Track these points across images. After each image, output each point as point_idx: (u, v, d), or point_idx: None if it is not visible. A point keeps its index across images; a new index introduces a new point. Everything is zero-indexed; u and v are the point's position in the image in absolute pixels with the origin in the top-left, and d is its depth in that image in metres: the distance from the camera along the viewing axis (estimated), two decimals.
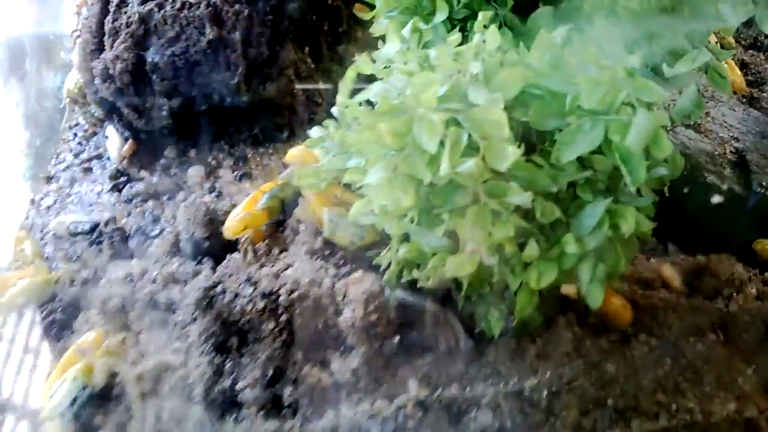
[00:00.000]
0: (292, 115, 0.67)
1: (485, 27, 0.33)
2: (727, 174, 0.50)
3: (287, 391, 0.31)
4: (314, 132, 0.37)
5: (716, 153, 0.51)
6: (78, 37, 0.75)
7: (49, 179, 0.64)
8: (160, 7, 0.59)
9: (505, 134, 0.26)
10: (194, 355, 0.33)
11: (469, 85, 0.28)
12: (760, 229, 0.49)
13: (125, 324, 0.36)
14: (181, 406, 0.32)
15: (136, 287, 0.39)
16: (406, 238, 0.32)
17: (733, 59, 0.68)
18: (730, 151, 0.52)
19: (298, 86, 0.67)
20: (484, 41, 0.31)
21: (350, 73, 0.34)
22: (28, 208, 0.61)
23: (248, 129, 0.66)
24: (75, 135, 0.71)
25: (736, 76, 0.67)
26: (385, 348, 0.32)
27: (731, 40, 0.69)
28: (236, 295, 0.34)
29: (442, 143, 0.26)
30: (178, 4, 0.59)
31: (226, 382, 0.32)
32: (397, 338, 0.32)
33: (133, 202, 0.59)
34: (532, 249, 0.27)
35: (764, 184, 0.50)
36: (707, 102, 0.55)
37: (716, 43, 0.65)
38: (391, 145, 0.27)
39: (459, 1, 0.38)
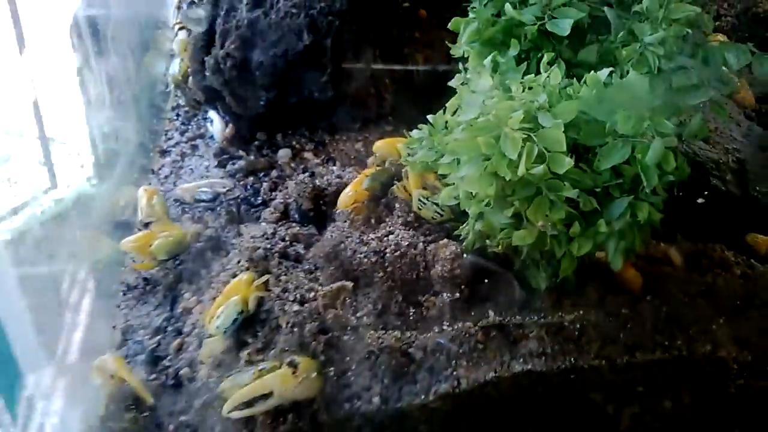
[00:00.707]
0: (364, 109, 0.80)
1: (549, 64, 0.46)
2: (729, 179, 0.62)
3: (392, 319, 0.45)
4: (414, 133, 0.50)
5: (720, 161, 0.63)
6: (180, 28, 0.89)
7: (163, 153, 0.78)
8: (266, 14, 0.72)
9: (563, 148, 0.39)
10: (327, 290, 0.46)
11: (538, 112, 0.41)
12: (753, 225, 0.62)
13: (267, 269, 0.50)
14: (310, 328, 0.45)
15: (272, 242, 0.52)
16: (481, 216, 0.45)
17: (746, 78, 0.80)
18: (732, 160, 0.64)
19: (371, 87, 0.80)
20: (548, 77, 0.43)
21: (453, 101, 0.47)
22: (150, 176, 0.75)
23: (327, 119, 0.79)
24: (178, 115, 0.85)
25: (746, 93, 0.79)
26: (463, 293, 0.45)
27: None
28: (354, 251, 0.48)
29: (519, 153, 0.39)
30: (282, 13, 0.71)
31: (348, 313, 0.45)
32: (471, 288, 0.46)
33: (236, 176, 0.73)
34: (576, 228, 0.40)
35: (758, 189, 0.62)
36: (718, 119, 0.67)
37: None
38: (484, 151, 0.40)
39: (526, 37, 0.51)
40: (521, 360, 0.42)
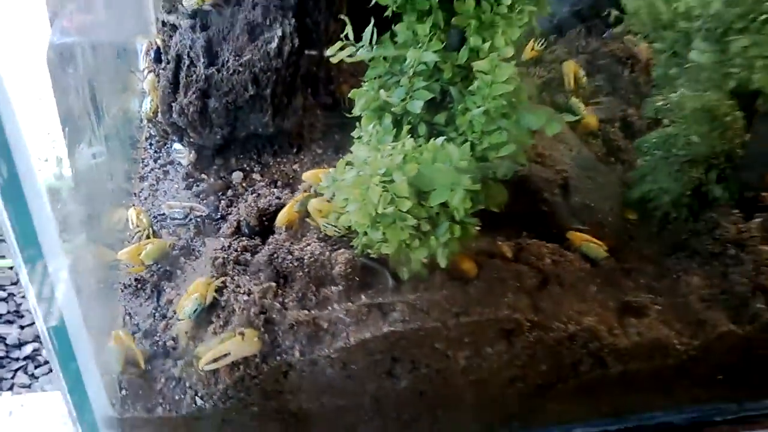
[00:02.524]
0: (299, 138, 1.05)
1: (410, 130, 0.72)
2: (556, 192, 0.89)
3: (307, 303, 0.71)
4: (324, 179, 0.75)
5: (550, 179, 0.90)
6: (151, 72, 1.12)
7: (141, 179, 1.02)
8: (219, 71, 0.96)
9: (405, 194, 0.65)
10: (263, 287, 0.72)
11: (394, 170, 0.67)
12: (572, 226, 0.88)
13: (225, 272, 0.75)
14: (253, 311, 0.71)
15: (228, 252, 0.78)
16: (365, 234, 0.71)
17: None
18: (561, 178, 0.90)
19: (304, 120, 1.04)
20: (403, 144, 0.69)
21: (341, 162, 0.72)
22: (133, 198, 0.99)
23: (270, 146, 1.04)
24: (151, 144, 1.09)
25: (591, 119, 1.05)
26: (354, 284, 0.71)
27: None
28: (283, 259, 0.74)
29: (379, 198, 0.65)
30: (231, 70, 0.95)
31: (278, 300, 0.71)
32: (359, 280, 0.72)
33: (200, 196, 0.97)
34: (416, 243, 0.67)
35: (576, 200, 0.89)
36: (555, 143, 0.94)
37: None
38: (360, 197, 0.66)
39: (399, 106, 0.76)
40: (390, 325, 0.69)
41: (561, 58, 1.08)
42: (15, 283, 2.92)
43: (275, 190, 0.92)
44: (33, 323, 2.70)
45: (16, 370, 2.61)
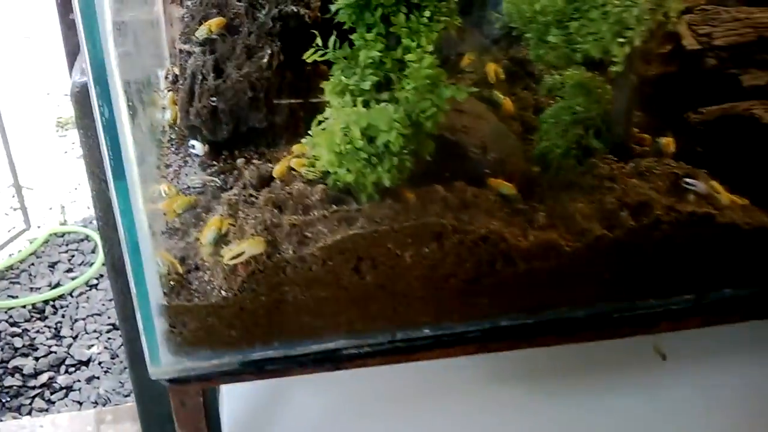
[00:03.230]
0: (286, 131, 1.38)
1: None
2: (478, 153, 1.22)
3: (294, 219, 1.03)
4: (305, 141, 1.08)
5: (475, 144, 1.23)
6: (170, 91, 1.46)
7: (167, 166, 1.34)
8: (225, 81, 1.30)
9: (359, 137, 0.98)
10: (266, 209, 1.04)
11: (351, 123, 1.00)
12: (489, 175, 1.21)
13: (237, 210, 1.07)
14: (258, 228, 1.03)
15: (237, 196, 1.10)
16: (335, 173, 1.03)
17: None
18: (481, 144, 1.23)
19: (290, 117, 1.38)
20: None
21: (315, 122, 1.05)
22: (163, 179, 1.31)
23: (265, 138, 1.37)
24: (172, 144, 1.41)
25: (508, 104, 1.39)
26: (329, 207, 1.03)
27: None
28: (278, 195, 1.06)
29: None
30: (234, 80, 1.29)
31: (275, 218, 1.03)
32: (332, 203, 1.04)
33: (213, 176, 1.30)
34: (367, 171, 0.99)
35: (493, 157, 1.22)
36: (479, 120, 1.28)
37: None
38: (328, 142, 0.98)
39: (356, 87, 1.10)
40: (354, 230, 1.00)
41: (485, 62, 1.44)
42: (28, 320, 3.26)
43: (270, 165, 1.25)
44: (47, 354, 3.01)
45: (34, 397, 2.93)
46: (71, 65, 1.73)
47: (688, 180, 1.11)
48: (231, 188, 1.20)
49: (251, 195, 1.11)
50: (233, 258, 0.98)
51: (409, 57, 1.06)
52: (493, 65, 1.41)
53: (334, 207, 1.03)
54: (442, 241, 1.04)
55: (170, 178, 1.31)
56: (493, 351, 1.20)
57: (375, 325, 1.09)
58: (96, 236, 3.28)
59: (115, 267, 1.83)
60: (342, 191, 1.05)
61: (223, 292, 1.00)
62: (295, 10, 1.30)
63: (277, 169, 1.13)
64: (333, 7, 1.09)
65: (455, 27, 1.12)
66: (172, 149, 1.39)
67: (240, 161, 1.32)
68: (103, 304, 3.05)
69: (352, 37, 1.10)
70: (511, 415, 1.39)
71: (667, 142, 1.26)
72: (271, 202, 1.06)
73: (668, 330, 1.27)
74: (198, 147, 1.34)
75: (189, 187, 1.24)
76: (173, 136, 1.42)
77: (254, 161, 1.32)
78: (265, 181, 1.16)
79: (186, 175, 1.31)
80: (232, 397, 1.28)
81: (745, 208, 1.16)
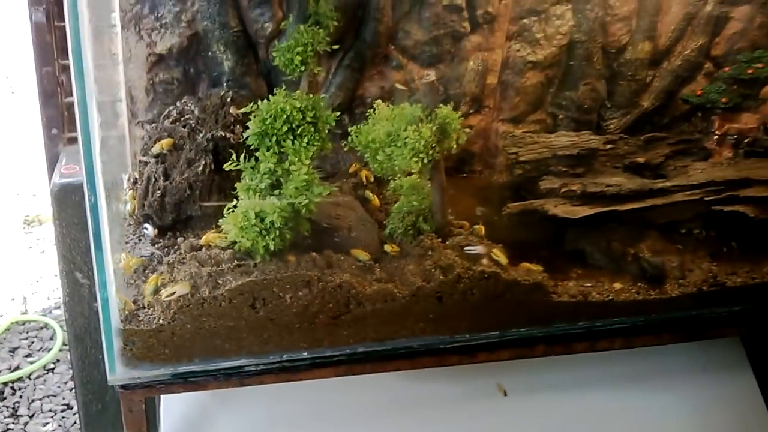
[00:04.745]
0: (213, 217, 1.95)
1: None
2: (344, 233, 1.79)
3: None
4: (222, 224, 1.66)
5: (343, 226, 1.80)
6: (131, 190, 2.03)
7: (127, 242, 1.88)
8: (171, 183, 1.87)
9: (253, 216, 1.55)
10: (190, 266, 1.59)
11: (249, 207, 1.58)
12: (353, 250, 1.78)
13: (173, 269, 1.62)
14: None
15: (175, 261, 1.65)
16: (239, 242, 1.60)
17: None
18: (348, 226, 1.81)
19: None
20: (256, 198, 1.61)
21: (227, 211, 1.64)
22: (122, 252, 1.84)
23: (200, 223, 1.93)
24: (130, 225, 1.96)
25: (375, 201, 1.99)
26: (233, 263, 1.59)
27: None
28: (198, 258, 1.62)
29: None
30: (176, 182, 1.86)
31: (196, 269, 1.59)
32: (236, 261, 1.60)
33: (159, 249, 1.84)
34: (259, 240, 1.55)
35: (354, 235, 1.79)
36: (349, 210, 1.87)
37: None
38: (234, 222, 1.56)
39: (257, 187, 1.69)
40: (249, 278, 1.56)
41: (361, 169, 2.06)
42: None
43: (199, 240, 1.81)
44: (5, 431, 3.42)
45: None
46: (51, 171, 2.34)
47: (469, 247, 1.71)
48: (170, 255, 1.75)
49: (183, 258, 1.67)
50: (168, 296, 1.52)
51: (292, 168, 1.66)
52: (365, 171, 2.02)
53: (237, 263, 1.59)
54: (311, 287, 1.60)
55: (129, 249, 1.85)
56: (358, 373, 1.73)
57: (267, 348, 1.62)
58: (55, 324, 3.74)
59: (77, 336, 2.37)
60: (243, 253, 1.62)
61: (160, 321, 1.53)
62: (223, 134, 1.90)
63: (203, 239, 1.69)
64: (245, 134, 1.70)
65: (329, 149, 1.74)
66: (131, 231, 1.95)
67: (179, 240, 1.88)
68: (59, 387, 3.46)
69: (257, 154, 1.70)
70: None
71: (480, 228, 1.87)
72: (196, 260, 1.61)
73: (484, 360, 1.82)
74: (150, 229, 1.90)
75: (142, 255, 1.79)
76: (131, 222, 1.98)
77: (190, 238, 1.88)
78: (195, 248, 1.71)
79: (139, 248, 1.86)
80: (168, 412, 1.78)
81: (526, 268, 1.76)
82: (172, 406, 1.79)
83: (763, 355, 2.37)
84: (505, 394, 2.09)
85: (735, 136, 2.18)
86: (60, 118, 2.33)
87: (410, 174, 1.72)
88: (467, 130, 1.74)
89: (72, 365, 2.55)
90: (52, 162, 2.36)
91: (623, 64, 2.39)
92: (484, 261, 1.71)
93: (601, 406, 2.10)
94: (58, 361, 3.61)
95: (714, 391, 2.20)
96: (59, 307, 3.89)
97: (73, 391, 3.33)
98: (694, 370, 2.24)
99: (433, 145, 1.58)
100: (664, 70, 2.45)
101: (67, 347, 3.52)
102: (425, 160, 1.58)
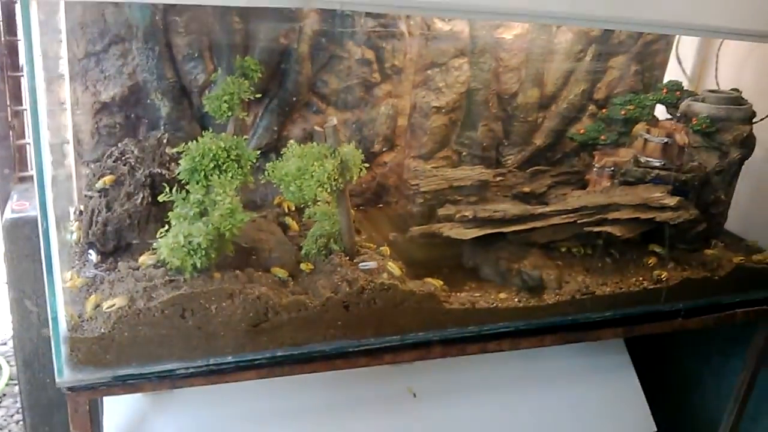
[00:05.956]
0: (149, 243, 2.24)
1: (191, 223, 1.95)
2: (265, 255, 2.10)
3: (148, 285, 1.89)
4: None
5: (262, 248, 2.11)
6: (77, 221, 2.32)
7: (73, 267, 2.16)
8: (113, 213, 2.16)
9: (182, 239, 1.86)
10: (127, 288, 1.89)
11: (180, 232, 1.89)
12: (271, 268, 2.10)
13: (113, 286, 1.91)
14: None
15: (115, 279, 1.94)
16: (169, 261, 1.91)
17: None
18: (269, 249, 2.12)
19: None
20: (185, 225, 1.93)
21: (161, 235, 1.95)
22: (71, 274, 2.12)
23: (138, 249, 2.22)
24: (75, 252, 2.24)
25: (294, 225, 2.31)
26: (166, 279, 1.89)
27: None
28: (135, 275, 1.91)
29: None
30: (118, 213, 2.16)
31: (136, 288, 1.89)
32: (168, 278, 1.90)
33: (102, 272, 2.12)
34: (187, 259, 1.86)
35: (276, 256, 2.10)
36: (269, 235, 2.18)
37: None
38: (166, 244, 1.86)
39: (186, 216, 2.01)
40: (179, 291, 1.86)
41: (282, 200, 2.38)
42: None
43: (137, 262, 2.11)
44: None
45: None
46: (2, 207, 2.60)
47: (363, 263, 2.05)
48: (111, 274, 2.04)
49: (122, 277, 1.96)
50: (109, 307, 1.81)
51: (218, 198, 1.98)
52: (287, 202, 2.35)
53: (169, 278, 1.89)
54: (234, 299, 1.90)
55: (75, 272, 2.13)
56: (278, 375, 2.03)
57: (196, 353, 1.91)
58: (1, 359, 3.92)
59: (26, 362, 2.63)
60: (174, 271, 1.92)
61: (102, 330, 1.82)
62: (159, 171, 2.21)
63: (140, 260, 1.99)
64: (177, 170, 2.02)
65: (251, 182, 2.06)
66: (77, 257, 2.23)
67: (120, 265, 2.16)
68: (5, 420, 3.64)
69: (188, 187, 2.02)
70: None
71: (385, 249, 2.20)
72: (133, 277, 1.91)
73: (390, 362, 2.14)
74: (93, 255, 2.19)
75: (86, 276, 2.07)
76: (77, 250, 2.26)
77: (129, 261, 2.17)
78: (133, 269, 2.00)
79: (84, 272, 2.14)
80: (111, 414, 2.04)
81: (427, 282, 2.10)
82: (114, 409, 2.06)
83: (643, 356, 2.76)
84: (414, 396, 2.41)
85: (612, 168, 2.58)
86: (12, 159, 2.61)
87: (318, 202, 2.05)
88: (384, 163, 2.10)
89: (20, 390, 2.78)
90: (4, 199, 2.64)
91: (516, 107, 2.81)
92: (385, 275, 2.04)
93: (499, 405, 2.44)
94: (4, 395, 3.79)
95: (599, 390, 2.57)
96: (5, 343, 4.08)
97: (20, 423, 3.53)
98: (583, 370, 2.61)
99: (336, 177, 1.92)
100: (552, 112, 2.88)
101: (15, 381, 3.72)
102: (329, 189, 1.91)
